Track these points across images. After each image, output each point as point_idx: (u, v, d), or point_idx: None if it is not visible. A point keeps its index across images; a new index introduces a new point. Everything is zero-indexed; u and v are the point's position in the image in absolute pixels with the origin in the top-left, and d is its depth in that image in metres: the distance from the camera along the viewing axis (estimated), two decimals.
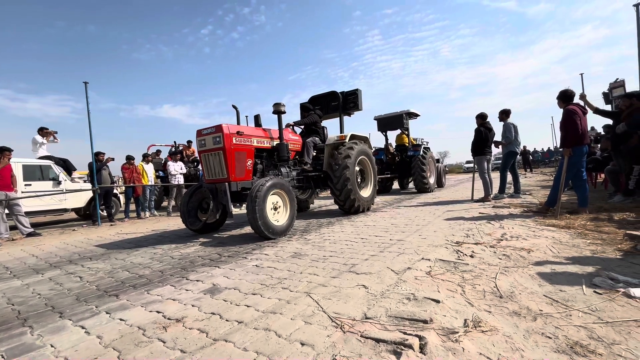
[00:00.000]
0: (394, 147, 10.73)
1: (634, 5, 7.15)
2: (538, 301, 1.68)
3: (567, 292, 1.77)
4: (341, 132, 6.09)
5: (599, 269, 2.08)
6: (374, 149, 9.89)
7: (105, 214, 7.18)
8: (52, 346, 1.52)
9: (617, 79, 7.43)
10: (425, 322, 1.47)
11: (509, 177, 6.76)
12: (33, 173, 6.44)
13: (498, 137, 6.55)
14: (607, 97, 7.76)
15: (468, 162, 31.58)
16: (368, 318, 1.56)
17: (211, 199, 4.17)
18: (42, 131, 7.04)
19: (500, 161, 6.87)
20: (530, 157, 22.64)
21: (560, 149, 4.26)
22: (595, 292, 1.75)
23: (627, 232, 2.81)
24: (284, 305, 1.79)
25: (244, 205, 4.82)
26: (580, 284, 1.87)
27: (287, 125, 5.41)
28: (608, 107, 7.07)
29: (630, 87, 7.02)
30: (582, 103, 4.36)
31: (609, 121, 5.77)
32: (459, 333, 1.37)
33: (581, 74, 11.48)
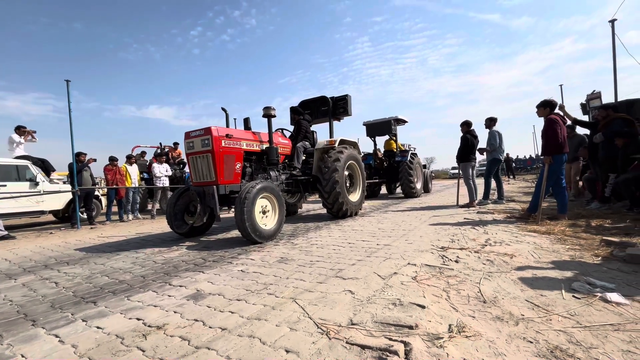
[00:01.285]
0: (382, 152, 10.86)
1: (609, 21, 7.51)
2: (520, 306, 1.72)
3: (547, 297, 1.81)
4: (331, 137, 6.11)
5: (577, 274, 2.15)
6: (362, 154, 9.98)
7: (86, 217, 6.94)
8: (22, 356, 1.44)
9: (594, 90, 7.75)
10: (410, 327, 1.48)
11: (493, 184, 6.94)
12: (9, 173, 6.16)
13: (482, 144, 6.73)
14: (584, 108, 8.08)
15: (454, 168, 32.27)
16: (354, 324, 1.55)
17: (198, 202, 4.09)
18: (20, 130, 6.76)
19: (484, 168, 7.05)
20: (513, 164, 23.33)
21: (542, 157, 4.41)
22: (574, 296, 1.80)
23: (604, 238, 2.92)
24: (269, 311, 1.76)
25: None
26: (559, 288, 1.92)
27: (278, 130, 5.40)
28: (585, 118, 7.37)
29: (606, 99, 7.35)
30: (561, 113, 4.53)
31: (587, 131, 6.02)
32: (443, 338, 1.38)
33: (561, 85, 11.97)
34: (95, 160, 7.18)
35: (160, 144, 10.61)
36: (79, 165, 6.59)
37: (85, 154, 6.91)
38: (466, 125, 6.66)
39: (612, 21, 7.47)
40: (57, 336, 1.62)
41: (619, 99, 6.91)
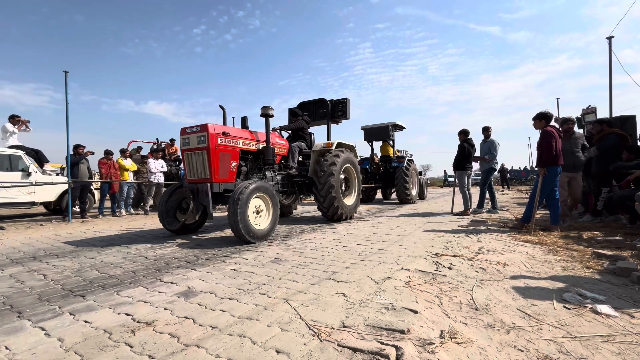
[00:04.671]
0: (379, 157, 10.90)
1: (607, 38, 7.66)
2: (511, 314, 1.72)
3: (538, 306, 1.82)
4: (328, 140, 6.12)
5: (568, 284, 2.17)
6: (359, 158, 10.01)
7: (78, 210, 6.84)
8: (7, 348, 1.41)
9: (589, 105, 7.87)
10: (402, 332, 1.47)
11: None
12: (1, 163, 6.06)
13: (477, 153, 6.80)
14: (579, 122, 8.21)
15: (449, 176, 32.60)
16: (346, 327, 1.54)
17: (191, 199, 4.06)
18: (14, 119, 6.67)
19: (478, 177, 7.12)
20: (508, 175, 23.56)
21: (536, 168, 4.46)
22: (564, 307, 1.81)
23: (595, 250, 2.95)
24: (260, 311, 1.75)
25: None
26: (551, 298, 1.93)
27: (274, 129, 5.40)
28: (581, 132, 7.47)
29: (601, 114, 7.47)
30: (557, 126, 4.59)
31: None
32: (435, 344, 1.38)
33: (557, 99, 12.12)
34: (93, 153, 7.10)
35: (157, 139, 10.54)
36: (77, 157, 6.52)
37: (84, 147, 6.83)
38: (464, 134, 6.72)
39: (610, 38, 7.61)
40: (43, 329, 1.58)
41: (614, 115, 7.02)
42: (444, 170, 35.12)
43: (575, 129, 5.35)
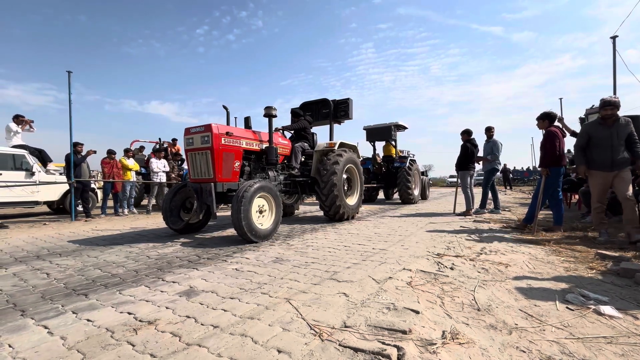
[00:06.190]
0: (381, 157, 10.88)
1: (611, 38, 7.60)
2: (514, 315, 1.72)
3: (541, 307, 1.81)
4: (331, 140, 6.12)
5: (571, 285, 2.15)
6: (361, 158, 10.00)
7: (81, 209, 6.88)
8: (10, 346, 1.42)
9: (593, 105, 7.81)
10: (404, 332, 1.47)
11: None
12: (5, 162, 6.11)
13: (480, 153, 6.77)
14: (583, 122, 8.16)
15: (451, 176, 32.49)
16: (347, 326, 1.54)
17: (195, 199, 4.07)
18: (18, 119, 6.71)
19: (481, 177, 7.09)
20: (510, 175, 23.45)
21: (539, 169, 4.43)
22: (567, 308, 1.80)
23: (598, 251, 2.93)
24: (262, 310, 1.75)
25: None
26: (553, 299, 1.92)
27: (277, 130, 5.41)
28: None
29: None
30: (560, 126, 4.57)
31: None
32: (436, 345, 1.38)
33: (560, 99, 12.05)
34: (95, 152, 7.13)
35: (160, 139, 10.58)
36: (78, 157, 6.54)
37: (82, 144, 6.85)
38: (467, 134, 6.70)
39: (614, 38, 7.56)
40: (46, 327, 1.59)
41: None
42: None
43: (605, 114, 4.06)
